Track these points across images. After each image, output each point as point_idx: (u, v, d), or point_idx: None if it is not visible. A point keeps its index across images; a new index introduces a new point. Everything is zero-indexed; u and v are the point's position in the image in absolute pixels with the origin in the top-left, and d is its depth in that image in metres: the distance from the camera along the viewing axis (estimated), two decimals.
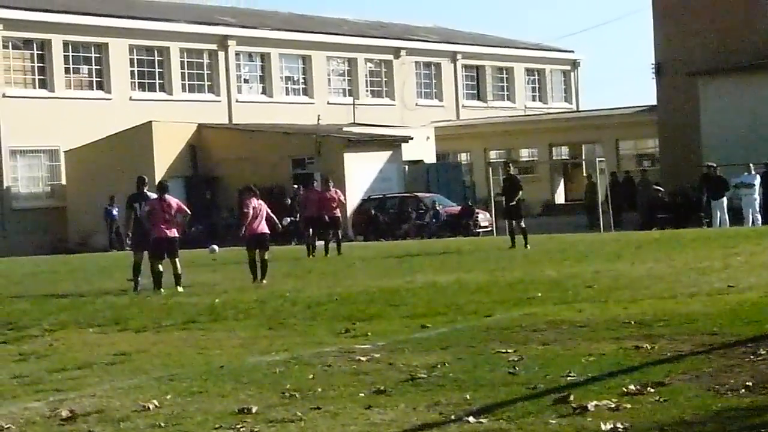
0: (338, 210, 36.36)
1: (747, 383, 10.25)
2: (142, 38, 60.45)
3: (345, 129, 59.77)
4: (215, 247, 35.09)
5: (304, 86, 67.61)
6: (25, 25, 56.31)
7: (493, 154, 68.86)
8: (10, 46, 56.28)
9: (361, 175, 54.96)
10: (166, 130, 55.63)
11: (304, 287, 23.47)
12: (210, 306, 20.47)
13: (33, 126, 55.10)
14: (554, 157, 70.13)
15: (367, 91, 70.63)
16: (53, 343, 16.39)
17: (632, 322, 14.73)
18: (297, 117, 61.87)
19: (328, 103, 66.75)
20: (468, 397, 10.41)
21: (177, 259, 24.89)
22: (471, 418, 9.46)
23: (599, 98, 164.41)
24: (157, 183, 27.17)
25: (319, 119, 58.81)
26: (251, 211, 26.42)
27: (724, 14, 53.38)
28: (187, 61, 62.49)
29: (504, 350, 12.98)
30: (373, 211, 52.80)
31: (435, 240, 45.99)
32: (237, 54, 64.60)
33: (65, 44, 57.75)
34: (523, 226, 33.81)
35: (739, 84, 51.65)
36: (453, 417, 9.61)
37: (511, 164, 36.30)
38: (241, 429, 9.67)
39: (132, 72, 60.21)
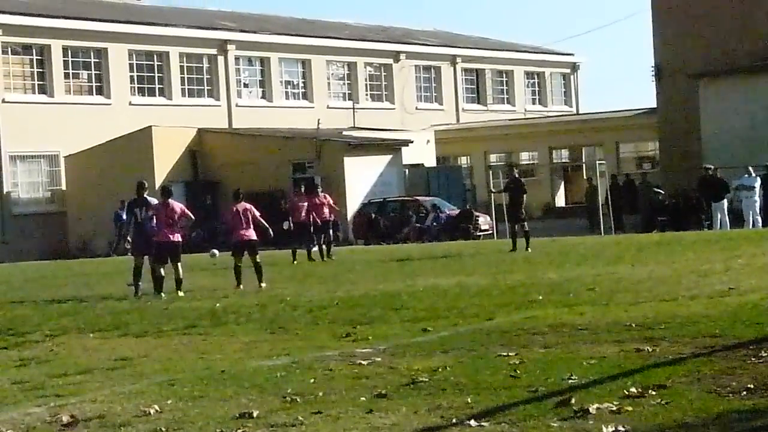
0: (332, 214, 36.27)
1: (749, 386, 10.25)
2: (141, 43, 60.50)
3: (345, 133, 59.77)
4: (215, 251, 35.04)
5: (303, 90, 67.66)
6: (24, 31, 56.33)
7: (493, 158, 68.93)
8: (10, 52, 56.30)
9: (361, 179, 55.01)
10: (166, 135, 55.65)
11: (305, 291, 23.48)
12: (211, 310, 20.47)
13: (33, 131, 55.13)
14: (554, 160, 70.16)
15: (367, 94, 70.68)
16: (54, 349, 16.39)
17: (633, 325, 14.73)
18: (297, 121, 61.93)
19: (328, 107, 66.80)
20: (469, 400, 10.40)
21: (179, 264, 24.91)
22: (472, 422, 9.46)
23: (599, 101, 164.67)
24: (160, 187, 27.19)
25: (319, 123, 58.85)
26: (231, 218, 26.63)
27: (724, 17, 53.41)
28: (187, 66, 62.52)
29: (505, 353, 12.97)
30: (373, 215, 52.81)
31: (436, 243, 46.00)
32: (237, 58, 64.65)
33: (65, 49, 57.79)
34: (527, 229, 33.84)
35: (739, 86, 51.67)
36: (454, 420, 9.61)
37: (515, 168, 36.31)
38: None
39: (132, 77, 60.24)
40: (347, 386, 11.56)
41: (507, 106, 78.34)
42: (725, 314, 15.30)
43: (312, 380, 12.06)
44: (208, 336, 16.83)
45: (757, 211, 42.97)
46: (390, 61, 71.83)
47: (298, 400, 10.96)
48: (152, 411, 10.82)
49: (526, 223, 34.05)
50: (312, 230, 35.71)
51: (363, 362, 13.04)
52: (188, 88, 62.55)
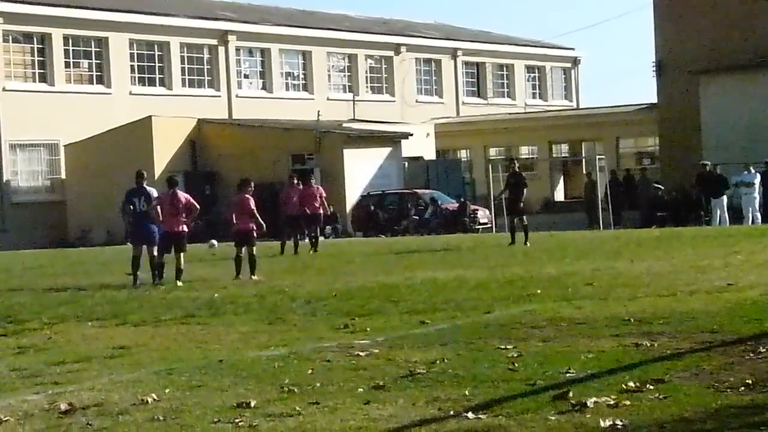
0: (320, 207, 36.10)
1: (747, 381, 10.25)
2: (142, 33, 60.46)
3: (345, 125, 59.71)
4: (214, 242, 35.12)
5: (304, 82, 67.62)
6: (25, 19, 56.30)
7: (492, 152, 68.89)
8: (11, 40, 56.27)
9: (360, 172, 55.01)
10: (166, 124, 55.65)
11: (304, 283, 23.47)
12: (209, 300, 20.49)
13: (33, 120, 55.12)
14: (554, 155, 70.11)
15: (367, 87, 70.64)
16: (52, 337, 16.40)
17: (632, 320, 14.73)
18: (297, 113, 61.90)
19: (328, 99, 66.78)
20: (467, 393, 10.41)
21: (182, 255, 24.96)
22: (470, 414, 9.46)
23: (599, 96, 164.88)
24: (167, 178, 27.20)
25: (319, 115, 58.83)
26: (231, 207, 26.71)
27: (725, 13, 53.37)
28: (187, 56, 62.49)
29: (503, 347, 12.98)
30: (372, 208, 52.81)
31: (434, 236, 45.98)
32: (237, 49, 64.61)
33: (65, 38, 57.74)
34: (526, 223, 33.83)
35: (740, 83, 51.66)
36: (452, 413, 9.61)
37: (516, 162, 36.29)
38: (240, 423, 9.67)
39: (132, 66, 60.21)
40: (345, 377, 11.57)
41: (507, 100, 78.31)
42: (724, 310, 15.30)
43: (310, 371, 12.06)
44: (207, 326, 16.83)
45: (757, 207, 43.01)
46: (390, 53, 71.80)
47: (296, 390, 10.96)
48: (150, 400, 10.82)
49: (525, 217, 34.04)
50: (304, 222, 35.57)
51: (361, 354, 13.04)
52: (188, 78, 62.51)
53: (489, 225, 50.23)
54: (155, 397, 10.92)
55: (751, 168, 43.51)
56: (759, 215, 42.97)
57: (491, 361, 12.04)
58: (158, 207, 25.22)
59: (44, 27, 56.89)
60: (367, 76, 70.89)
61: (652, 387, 10.17)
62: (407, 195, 53.93)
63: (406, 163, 58.09)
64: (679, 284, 19.16)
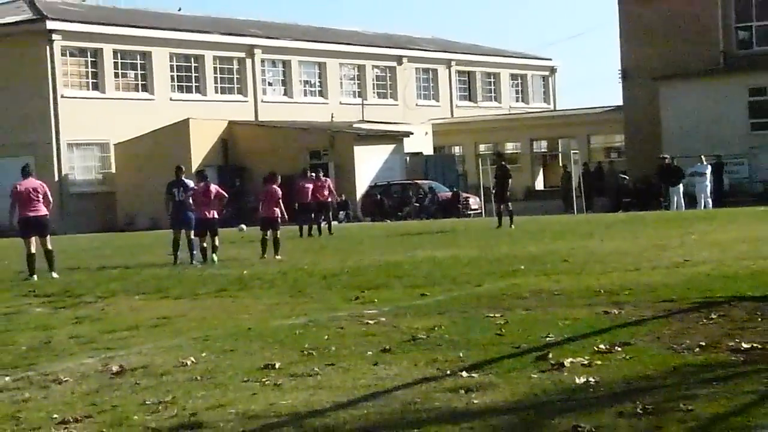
0: (330, 196, 36.10)
1: (701, 343, 10.23)
2: (180, 47, 60.34)
3: (355, 125, 59.62)
4: (243, 226, 35.14)
5: (320, 89, 67.47)
6: (80, 36, 56.24)
7: (482, 147, 68.74)
8: (68, 54, 56.21)
9: (368, 165, 54.97)
10: (201, 126, 55.60)
11: (320, 261, 23.45)
12: (239, 277, 20.47)
13: (87, 123, 55.06)
14: (534, 150, 70.00)
15: (374, 92, 70.48)
16: (105, 309, 16.39)
17: (602, 291, 14.70)
18: (314, 115, 61.76)
19: (341, 104, 66.61)
20: (461, 355, 10.39)
21: (216, 237, 25.05)
22: (464, 373, 9.45)
23: (573, 99, 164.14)
24: (196, 171, 27.22)
25: (332, 117, 58.72)
26: (260, 196, 26.84)
27: (682, 27, 53.30)
28: (219, 67, 62.36)
29: (492, 315, 12.95)
30: (378, 196, 52.77)
31: (432, 221, 45.93)
32: (262, 61, 64.47)
33: (115, 52, 57.66)
34: (511, 209, 33.75)
35: (694, 87, 51.58)
36: (449, 372, 9.60)
37: (503, 156, 36.19)
38: (266, 382, 9.66)
39: (172, 76, 60.10)
40: (356, 342, 11.55)
41: (494, 103, 78.11)
42: (681, 282, 15.27)
43: (326, 337, 12.05)
44: (237, 299, 16.81)
45: (708, 194, 42.99)
46: (394, 64, 71.64)
47: (314, 353, 10.95)
48: (189, 362, 10.82)
49: (510, 203, 33.97)
50: (315, 210, 35.52)
51: (370, 322, 13.02)
52: (220, 86, 62.38)
53: (479, 211, 50.18)
54: (193, 360, 10.92)
55: (704, 160, 43.47)
56: (710, 201, 42.95)
57: (482, 328, 12.02)
58: (192, 197, 25.27)
59: (97, 43, 56.81)
60: (373, 83, 70.73)
61: (620, 349, 10.15)
62: (409, 185, 53.87)
63: (408, 158, 57.99)
64: (643, 260, 19.13)
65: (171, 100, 59.34)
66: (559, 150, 67.58)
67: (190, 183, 26.04)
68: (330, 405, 8.58)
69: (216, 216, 25.32)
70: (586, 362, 9.61)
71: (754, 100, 50.22)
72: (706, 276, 15.95)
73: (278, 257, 25.10)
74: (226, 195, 26.21)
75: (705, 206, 42.07)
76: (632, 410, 7.78)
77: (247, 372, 10.18)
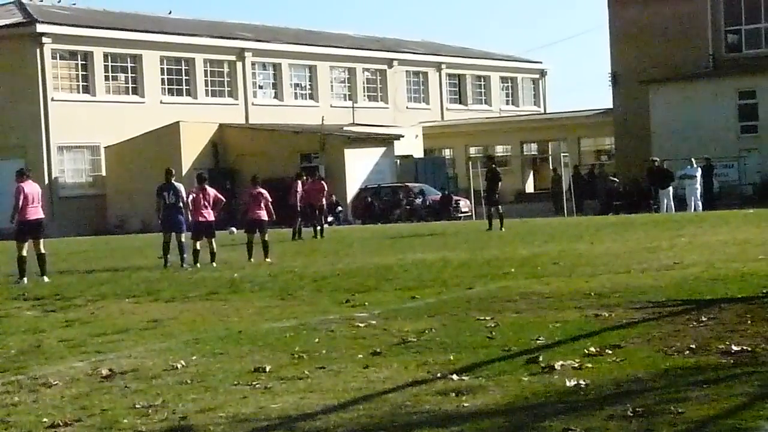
0: (324, 199, 36.15)
1: (691, 345, 10.24)
2: (171, 50, 60.26)
3: (345, 128, 59.64)
4: (233, 229, 35.09)
5: (310, 92, 67.43)
6: (70, 39, 56.15)
7: (472, 150, 68.79)
8: (58, 57, 56.12)
9: (359, 168, 54.95)
10: (192, 129, 55.53)
11: (311, 264, 23.43)
12: (230, 280, 20.45)
13: (77, 126, 54.97)
14: (525, 153, 70.04)
15: (364, 95, 70.45)
16: (95, 312, 16.36)
17: (592, 294, 14.71)
18: (304, 118, 61.70)
19: (331, 106, 66.58)
20: (452, 357, 10.38)
21: (213, 240, 25.02)
22: (454, 376, 9.44)
23: (563, 102, 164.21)
24: (197, 175, 27.29)
25: (323, 120, 58.69)
26: (245, 199, 26.74)
27: (672, 30, 53.49)
28: (210, 70, 62.30)
29: (483, 318, 12.95)
30: (369, 199, 52.75)
31: (423, 223, 45.93)
32: (253, 64, 64.42)
33: (105, 55, 57.57)
34: (501, 211, 33.77)
35: (683, 90, 51.72)
36: (439, 375, 9.59)
37: (493, 159, 36.26)
38: (257, 385, 9.64)
39: (162, 79, 60.02)
40: (347, 345, 11.54)
41: (484, 106, 78.12)
42: (671, 285, 15.29)
43: (316, 340, 12.04)
44: (227, 302, 16.79)
45: (698, 197, 43.06)
46: (384, 67, 71.63)
47: (305, 356, 10.94)
48: (179, 365, 10.80)
49: (500, 206, 33.99)
50: (309, 212, 35.55)
51: (360, 325, 13.01)
52: (211, 89, 62.32)
53: (469, 213, 50.18)
54: (184, 363, 10.89)
55: (694, 163, 43.56)
56: (700, 204, 43.01)
57: (472, 331, 12.02)
58: (191, 200, 25.29)
59: (87, 46, 56.72)
60: (364, 86, 70.71)
61: (610, 351, 10.16)
62: (399, 188, 53.85)
63: (398, 161, 57.98)
64: (633, 263, 19.15)
65: (161, 103, 59.26)
66: (549, 153, 67.63)
67: (181, 187, 26.02)
68: (320, 408, 8.57)
69: (213, 219, 25.35)
70: (576, 365, 9.61)
71: (744, 103, 50.35)
72: (696, 278, 15.96)
73: (268, 260, 25.08)
74: (224, 199, 26.27)
75: (695, 209, 42.14)
76: (622, 413, 7.77)
77: (237, 375, 10.16)
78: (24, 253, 22.22)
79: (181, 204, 25.40)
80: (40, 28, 54.91)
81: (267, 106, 63.98)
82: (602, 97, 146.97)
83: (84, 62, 57.05)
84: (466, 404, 8.40)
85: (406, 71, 73.57)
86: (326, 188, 36.59)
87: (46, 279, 22.17)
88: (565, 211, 46.74)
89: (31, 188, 22.54)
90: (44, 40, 54.87)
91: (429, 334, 11.88)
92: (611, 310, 12.98)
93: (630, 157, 53.51)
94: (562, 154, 55.30)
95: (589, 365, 9.60)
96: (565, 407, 8.13)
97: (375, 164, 55.86)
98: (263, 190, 26.54)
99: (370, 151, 56.12)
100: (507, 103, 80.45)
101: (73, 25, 56.79)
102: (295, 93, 66.85)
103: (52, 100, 55.09)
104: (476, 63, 78.58)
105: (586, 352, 10.18)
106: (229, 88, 63.20)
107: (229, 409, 8.75)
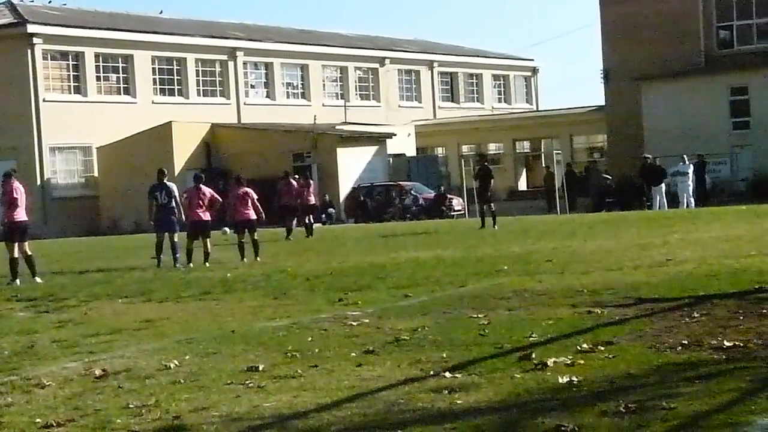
0: (313, 198, 36.13)
1: (683, 342, 10.25)
2: (162, 50, 60.27)
3: (338, 127, 59.67)
4: (226, 228, 34.98)
5: (302, 91, 67.45)
6: (62, 40, 56.15)
7: (465, 148, 68.83)
8: (49, 58, 56.09)
9: (351, 167, 54.97)
10: (184, 129, 55.54)
11: (304, 263, 23.43)
12: (223, 279, 20.44)
13: (69, 126, 54.96)
14: (517, 151, 70.09)
15: (356, 94, 70.49)
16: (88, 312, 16.34)
17: (585, 291, 14.72)
18: (296, 117, 61.74)
19: (323, 105, 66.61)
20: (445, 355, 10.39)
21: (208, 240, 25.01)
22: (447, 374, 9.45)
23: (556, 100, 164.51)
24: (194, 175, 27.29)
25: (315, 119, 58.70)
26: (232, 200, 26.73)
27: (663, 27, 53.54)
28: (202, 70, 62.31)
29: (475, 315, 12.96)
30: (362, 198, 52.78)
31: (416, 222, 45.93)
32: (245, 63, 64.44)
33: (96, 55, 57.58)
34: (494, 209, 33.81)
35: (675, 87, 51.78)
36: (432, 373, 9.59)
37: (486, 157, 36.29)
38: (250, 384, 9.64)
39: (154, 79, 60.04)
40: (340, 344, 11.54)
41: (477, 104, 78.21)
42: (663, 281, 15.30)
43: (309, 339, 12.04)
44: (221, 301, 16.79)
45: (690, 193, 43.14)
46: (376, 65, 71.66)
47: (298, 355, 10.94)
48: (172, 365, 10.79)
49: (493, 204, 34.02)
50: (300, 212, 35.57)
51: (353, 323, 13.01)
52: (203, 89, 62.34)
53: (462, 211, 50.22)
54: (177, 363, 10.89)
55: (686, 160, 43.62)
56: (692, 200, 43.09)
57: (465, 328, 12.02)
58: (187, 199, 25.32)
59: (78, 46, 56.73)
60: (356, 85, 70.75)
61: (602, 348, 10.16)
62: (392, 186, 53.90)
63: (391, 159, 58.02)
64: (625, 260, 19.17)
65: (153, 103, 59.25)
66: (542, 150, 67.69)
67: (173, 186, 26.02)
68: (313, 406, 8.57)
69: (209, 219, 25.35)
70: (569, 362, 9.61)
71: (736, 100, 50.43)
72: (689, 275, 15.98)
73: (259, 259, 25.10)
74: (220, 199, 26.26)
75: (687, 205, 42.21)
76: (615, 409, 7.78)
77: (230, 374, 10.16)
78: (15, 254, 22.20)
79: (173, 204, 25.41)
80: (31, 28, 54.90)
81: (259, 105, 64.01)
82: (594, 95, 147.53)
83: (75, 62, 57.04)
84: (459, 402, 8.41)
85: (399, 70, 73.62)
86: (313, 188, 36.55)
87: (38, 280, 22.15)
88: (558, 209, 46.79)
89: (19, 189, 22.38)
90: (35, 40, 54.86)
91: (422, 332, 11.88)
92: (604, 306, 12.98)
93: (622, 154, 53.59)
94: (554, 152, 55.37)
95: (582, 362, 9.61)
96: (558, 404, 8.14)
97: (368, 163, 55.90)
98: (249, 190, 26.60)
99: (363, 150, 56.15)
100: (499, 101, 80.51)
101: (64, 26, 56.79)
102: (287, 92, 66.86)
103: (44, 100, 55.07)
104: (468, 61, 78.64)
105: (579, 348, 10.19)
106: (221, 88, 63.21)
107: (222, 408, 8.75)
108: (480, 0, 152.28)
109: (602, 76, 56.25)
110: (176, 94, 61.01)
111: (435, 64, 75.69)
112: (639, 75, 52.32)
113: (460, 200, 51.15)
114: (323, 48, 68.39)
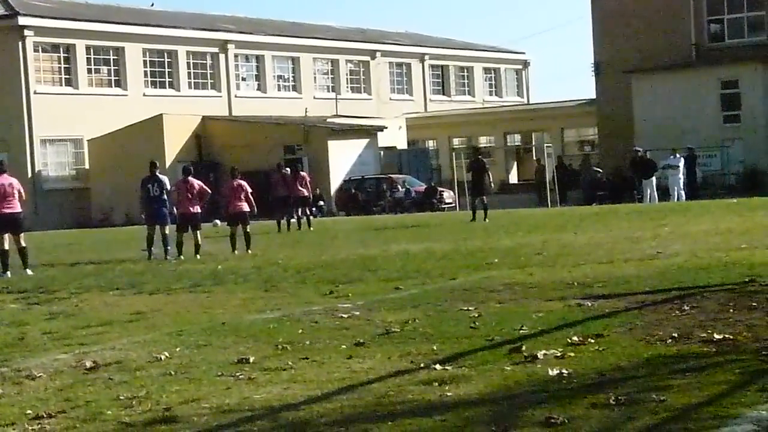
0: (306, 190, 35.79)
1: (673, 334, 10.27)
2: (154, 43, 60.18)
3: (329, 120, 59.63)
4: (217, 221, 35.07)
5: (293, 83, 67.38)
6: (52, 32, 56.04)
7: (456, 141, 68.80)
8: (40, 50, 55.98)
9: (342, 160, 54.96)
10: (175, 121, 55.48)
11: (295, 255, 23.42)
12: (214, 272, 20.43)
13: (60, 118, 54.88)
14: (508, 144, 70.08)
15: (347, 87, 70.44)
16: (79, 304, 16.33)
17: (575, 284, 14.74)
18: (287, 110, 61.72)
19: (314, 98, 66.58)
20: (435, 348, 10.39)
21: (198, 232, 25.00)
22: (438, 366, 9.45)
23: (547, 93, 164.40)
24: (182, 168, 27.22)
25: (306, 112, 58.68)
26: (225, 192, 26.81)
27: (652, 22, 53.56)
28: (193, 62, 62.23)
29: (466, 308, 12.96)
30: (353, 190, 52.78)
31: (407, 215, 45.94)
32: (236, 56, 64.35)
33: (87, 48, 57.48)
34: (486, 202, 33.82)
35: (666, 80, 51.79)
36: (422, 365, 9.60)
37: (479, 150, 36.32)
38: (240, 376, 9.64)
39: (145, 72, 59.96)
40: (330, 336, 11.54)
41: (468, 97, 78.19)
42: (654, 274, 15.32)
43: (300, 331, 12.04)
44: (211, 294, 16.78)
45: (681, 186, 43.19)
46: (367, 58, 71.60)
47: (288, 347, 10.94)
48: (163, 357, 10.79)
49: (485, 197, 34.04)
50: (292, 204, 35.47)
51: (344, 315, 13.02)
52: (194, 82, 62.26)
53: (453, 204, 50.23)
54: (167, 355, 10.89)
55: (677, 153, 43.68)
56: (683, 193, 43.14)
57: (455, 321, 12.03)
58: (176, 192, 25.31)
59: (69, 39, 56.63)
60: (347, 78, 70.69)
61: (593, 341, 10.18)
62: (383, 179, 53.91)
63: (382, 152, 58.01)
64: (616, 253, 19.18)
65: (144, 95, 59.18)
66: (533, 144, 67.70)
67: (165, 179, 26.00)
68: (304, 399, 8.58)
69: (198, 211, 25.35)
70: (559, 354, 9.62)
71: (726, 93, 50.47)
72: (679, 268, 15.99)
73: (250, 252, 25.10)
74: (209, 191, 26.25)
75: (678, 199, 42.26)
76: (605, 401, 7.80)
77: (221, 366, 10.16)
78: (6, 246, 22.16)
79: (165, 196, 25.40)
80: (22, 20, 54.79)
81: (250, 98, 63.94)
82: (585, 88, 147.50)
83: (66, 55, 56.94)
84: (449, 394, 8.42)
85: (389, 62, 73.57)
86: (307, 179, 36.43)
87: (29, 272, 22.13)
88: (549, 202, 46.82)
89: (3, 181, 22.21)
90: (26, 32, 54.76)
91: (412, 325, 11.89)
92: (594, 299, 13.00)
93: (613, 147, 53.61)
94: (545, 145, 55.36)
95: (572, 354, 9.62)
96: (548, 396, 8.14)
97: (359, 156, 55.88)
98: (243, 182, 26.57)
99: (354, 143, 56.14)
100: (490, 94, 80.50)
101: (55, 18, 56.69)
102: (278, 85, 66.79)
103: (35, 93, 54.99)
104: (459, 54, 78.63)
105: (569, 341, 10.20)
106: (212, 81, 63.13)
107: (212, 399, 8.75)
108: None
109: (593, 69, 56.25)
110: (167, 86, 60.93)
111: (426, 57, 75.65)
112: (630, 68, 52.35)
113: (451, 193, 51.17)
114: (314, 41, 68.33)
